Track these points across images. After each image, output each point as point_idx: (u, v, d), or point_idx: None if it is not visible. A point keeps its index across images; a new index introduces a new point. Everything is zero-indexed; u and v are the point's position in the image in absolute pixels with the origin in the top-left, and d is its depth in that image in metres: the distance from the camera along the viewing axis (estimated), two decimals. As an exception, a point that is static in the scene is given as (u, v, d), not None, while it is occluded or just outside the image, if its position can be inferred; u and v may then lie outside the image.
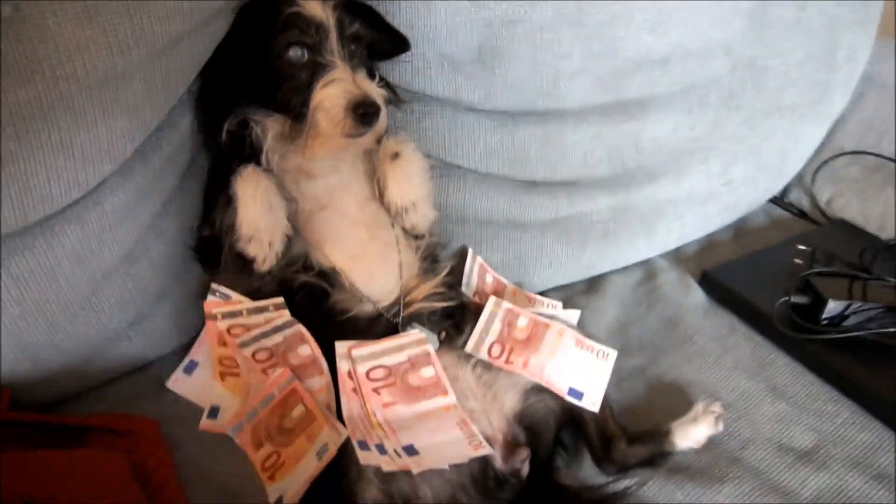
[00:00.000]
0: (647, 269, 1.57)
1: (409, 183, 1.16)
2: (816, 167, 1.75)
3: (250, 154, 1.10)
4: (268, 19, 1.06)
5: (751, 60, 1.52)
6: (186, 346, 1.21)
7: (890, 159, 1.66)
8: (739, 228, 1.73)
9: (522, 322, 1.22)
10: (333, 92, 1.05)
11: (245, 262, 1.07)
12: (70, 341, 1.06)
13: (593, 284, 1.53)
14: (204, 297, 1.17)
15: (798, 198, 1.80)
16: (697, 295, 1.50)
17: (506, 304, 1.24)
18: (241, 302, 1.14)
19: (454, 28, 1.25)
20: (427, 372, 1.12)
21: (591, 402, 1.14)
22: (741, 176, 1.60)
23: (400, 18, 1.22)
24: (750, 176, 1.63)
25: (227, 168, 1.09)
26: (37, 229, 0.97)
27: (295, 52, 1.06)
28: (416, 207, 1.17)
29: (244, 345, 1.12)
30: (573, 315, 1.31)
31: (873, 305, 1.32)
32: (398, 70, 1.28)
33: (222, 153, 1.12)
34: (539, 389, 1.15)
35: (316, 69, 1.07)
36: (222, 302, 1.15)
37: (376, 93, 1.07)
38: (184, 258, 1.19)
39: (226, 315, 1.14)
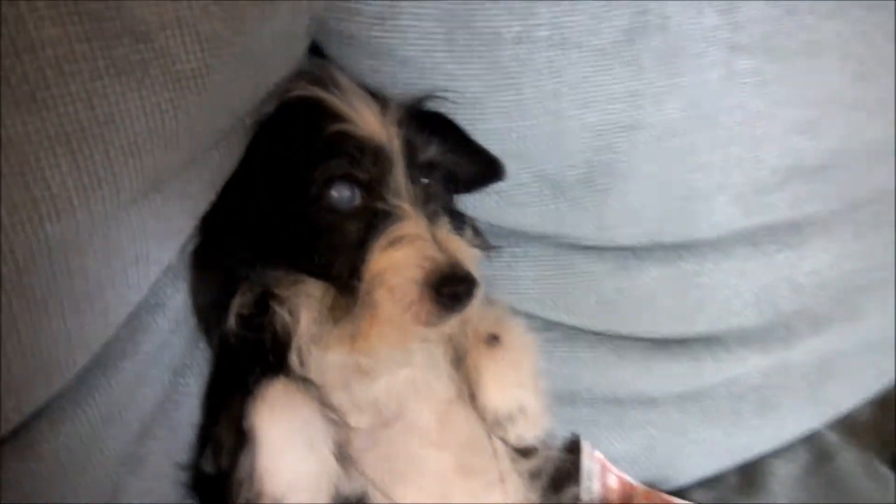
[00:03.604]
0: (816, 448, 1.16)
1: (514, 379, 0.77)
2: None
3: (273, 348, 0.70)
4: (301, 140, 0.69)
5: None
6: None
7: None
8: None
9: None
10: (403, 258, 0.68)
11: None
12: None
13: (749, 475, 1.12)
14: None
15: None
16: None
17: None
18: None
19: (556, 139, 0.90)
20: None
21: None
22: (921, 312, 1.20)
23: (483, 128, 0.85)
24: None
25: (237, 371, 0.70)
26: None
27: (341, 193, 0.70)
28: (524, 413, 0.77)
29: None
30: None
31: None
32: (479, 198, 0.90)
33: (229, 346, 0.72)
34: None
35: (373, 219, 0.70)
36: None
37: (469, 257, 0.70)
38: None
39: None
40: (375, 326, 0.69)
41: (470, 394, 0.79)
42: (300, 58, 0.73)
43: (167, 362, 0.74)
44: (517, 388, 0.77)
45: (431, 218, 0.71)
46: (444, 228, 0.72)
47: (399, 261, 0.67)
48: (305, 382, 0.70)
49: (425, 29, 0.79)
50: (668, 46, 0.92)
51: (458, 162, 0.80)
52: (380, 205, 0.70)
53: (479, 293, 0.70)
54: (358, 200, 0.70)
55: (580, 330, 1.01)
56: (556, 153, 0.91)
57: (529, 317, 0.98)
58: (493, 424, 0.78)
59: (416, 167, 0.73)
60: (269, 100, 0.71)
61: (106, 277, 0.60)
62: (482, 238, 0.87)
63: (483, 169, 0.83)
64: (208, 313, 0.74)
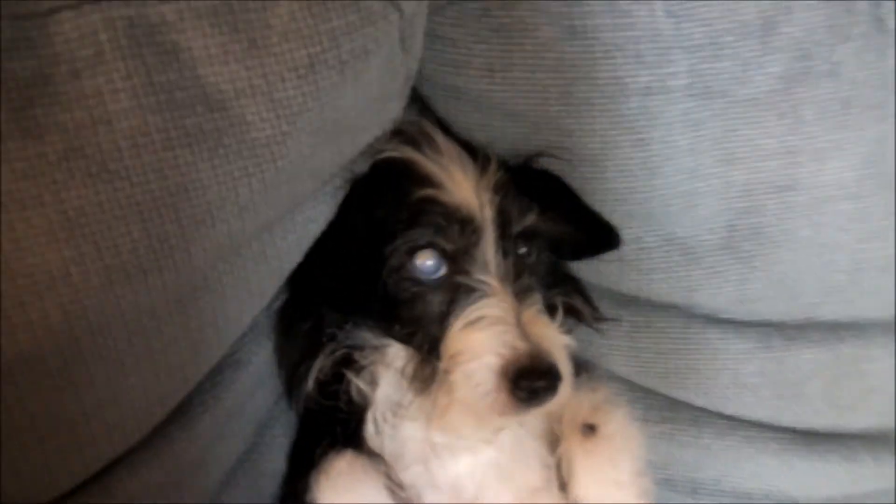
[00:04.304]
0: None
1: (611, 477, 0.69)
2: None
3: (347, 418, 0.68)
4: (388, 205, 0.66)
5: None
6: None
7: None
8: None
9: None
10: (480, 342, 0.62)
11: None
12: None
13: None
14: None
15: None
16: None
17: None
18: None
19: (691, 200, 0.80)
20: None
21: None
22: None
23: (603, 188, 0.77)
24: None
25: (315, 435, 0.68)
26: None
27: (425, 263, 0.65)
28: None
29: None
30: None
31: None
32: (598, 263, 0.82)
33: (310, 408, 0.70)
34: None
35: (456, 294, 0.64)
36: None
37: (557, 345, 0.63)
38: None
39: None
40: (451, 407, 0.64)
41: (562, 484, 0.71)
42: (395, 118, 0.69)
43: (251, 416, 0.74)
44: (613, 486, 0.69)
45: (521, 295, 0.65)
46: (534, 308, 0.65)
47: (477, 345, 0.62)
48: (375, 458, 0.66)
49: (539, 81, 0.72)
50: (838, 95, 0.79)
51: (566, 227, 0.73)
52: (463, 279, 0.64)
53: (565, 388, 0.63)
54: (443, 271, 0.66)
55: (709, 413, 0.88)
56: (690, 215, 0.81)
57: (650, 393, 0.88)
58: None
59: (509, 237, 0.67)
60: (362, 159, 0.68)
61: (182, 338, 0.60)
62: (594, 308, 0.79)
63: (595, 236, 0.75)
64: (291, 373, 0.72)
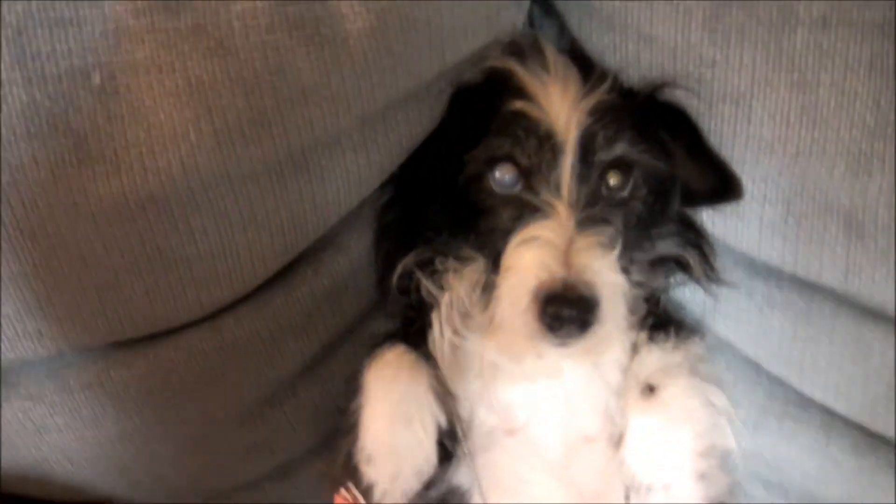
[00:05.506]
0: None
1: (663, 447, 0.63)
2: None
3: (414, 315, 0.71)
4: (480, 113, 0.65)
5: None
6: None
7: None
8: None
9: None
10: (525, 262, 0.61)
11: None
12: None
13: None
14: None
15: None
16: None
17: None
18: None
19: (867, 162, 0.68)
20: None
21: None
22: None
23: (747, 133, 0.68)
24: None
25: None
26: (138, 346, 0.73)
27: (504, 178, 0.64)
28: (669, 493, 0.63)
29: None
30: None
31: None
32: (737, 221, 0.73)
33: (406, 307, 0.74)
34: None
35: (523, 211, 0.63)
36: (352, 504, 0.77)
37: (603, 281, 0.59)
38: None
39: (353, 528, 0.76)
40: (500, 324, 0.64)
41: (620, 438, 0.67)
42: (509, 28, 0.68)
43: (352, 298, 0.79)
44: (664, 457, 0.63)
45: (585, 224, 0.61)
46: (593, 239, 0.60)
47: (521, 263, 0.61)
48: (430, 360, 0.68)
49: (681, 2, 0.65)
50: None
51: (676, 168, 0.66)
52: (531, 197, 0.63)
53: (603, 327, 0.58)
54: (518, 187, 0.64)
55: (847, 422, 0.75)
56: (861, 182, 0.67)
57: (775, 382, 0.77)
58: (629, 486, 0.66)
59: (592, 164, 0.63)
60: (470, 67, 0.68)
61: (281, 208, 0.67)
62: (710, 267, 0.71)
63: (713, 184, 0.67)
64: (383, 266, 0.75)
